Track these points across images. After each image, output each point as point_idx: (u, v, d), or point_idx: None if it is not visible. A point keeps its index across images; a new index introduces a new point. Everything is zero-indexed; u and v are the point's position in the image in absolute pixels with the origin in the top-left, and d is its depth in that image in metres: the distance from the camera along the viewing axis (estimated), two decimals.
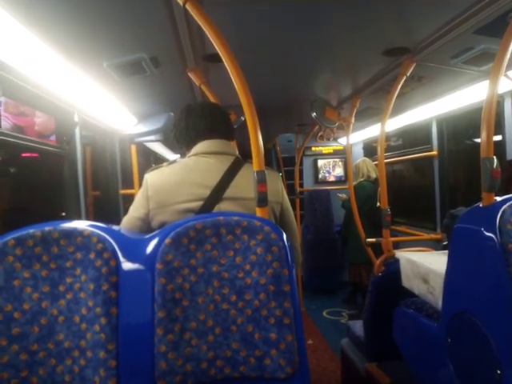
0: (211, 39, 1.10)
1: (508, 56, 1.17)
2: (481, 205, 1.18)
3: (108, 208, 2.76)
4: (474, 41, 1.62)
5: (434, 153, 3.11)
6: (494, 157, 1.15)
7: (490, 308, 1.09)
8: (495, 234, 1.07)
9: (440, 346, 1.29)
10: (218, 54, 1.12)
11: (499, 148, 2.23)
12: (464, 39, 1.60)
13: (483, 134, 1.17)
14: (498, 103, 2.15)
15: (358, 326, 2.31)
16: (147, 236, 1.02)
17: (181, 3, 1.10)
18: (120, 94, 2.07)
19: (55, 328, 0.93)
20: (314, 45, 1.68)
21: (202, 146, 1.30)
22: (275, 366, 0.93)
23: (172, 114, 2.67)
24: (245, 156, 1.34)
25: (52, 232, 0.96)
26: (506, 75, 1.96)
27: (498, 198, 1.15)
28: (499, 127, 2.27)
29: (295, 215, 1.51)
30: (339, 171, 5.12)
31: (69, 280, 0.96)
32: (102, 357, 0.89)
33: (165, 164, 1.28)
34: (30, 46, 1.29)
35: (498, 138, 2.31)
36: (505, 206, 1.10)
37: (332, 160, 5.11)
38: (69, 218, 2.01)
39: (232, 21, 1.38)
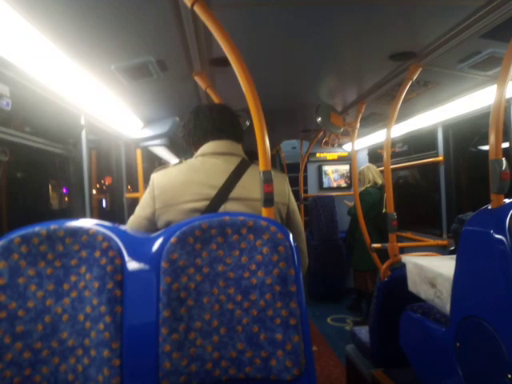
0: (219, 42, 1.10)
1: None
2: (489, 207, 1.17)
3: (112, 212, 2.77)
4: (481, 45, 1.62)
5: (440, 158, 3.09)
6: (503, 158, 1.14)
7: (501, 311, 1.07)
8: (505, 236, 1.05)
9: (448, 351, 1.27)
10: (224, 58, 1.12)
11: (507, 154, 2.21)
12: (471, 43, 1.60)
13: (491, 137, 1.16)
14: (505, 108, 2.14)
15: (363, 332, 2.28)
16: (153, 235, 1.01)
17: (188, 5, 1.11)
18: (127, 98, 2.08)
19: (59, 326, 0.92)
20: (321, 48, 1.68)
21: (208, 146, 1.30)
22: (281, 367, 0.91)
23: (177, 118, 2.69)
24: (250, 160, 1.33)
25: (57, 230, 0.95)
26: None
27: (507, 200, 1.14)
28: (506, 133, 2.25)
29: None
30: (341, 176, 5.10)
31: (73, 278, 0.95)
32: (106, 356, 0.88)
33: (171, 164, 1.28)
34: (39, 47, 1.30)
35: (505, 145, 2.30)
36: None
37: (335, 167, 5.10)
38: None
39: (239, 23, 1.39)
